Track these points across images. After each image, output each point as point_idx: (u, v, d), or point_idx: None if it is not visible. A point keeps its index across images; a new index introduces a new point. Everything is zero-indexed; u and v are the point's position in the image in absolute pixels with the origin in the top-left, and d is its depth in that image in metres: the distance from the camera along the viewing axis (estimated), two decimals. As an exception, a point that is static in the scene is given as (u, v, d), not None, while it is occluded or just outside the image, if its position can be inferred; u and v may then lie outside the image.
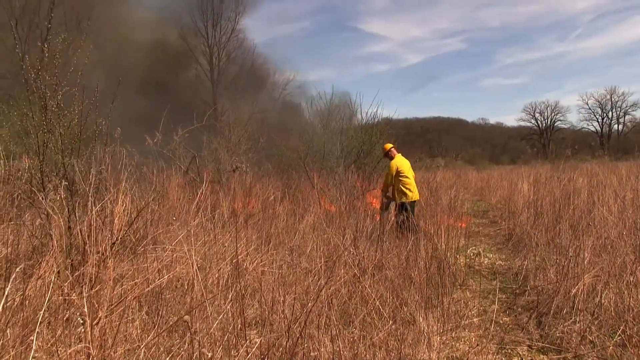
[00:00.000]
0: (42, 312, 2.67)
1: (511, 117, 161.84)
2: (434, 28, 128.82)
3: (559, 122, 75.62)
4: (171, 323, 3.64)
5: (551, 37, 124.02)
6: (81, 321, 2.69)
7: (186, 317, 3.05)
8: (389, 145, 9.59)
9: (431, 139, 77.58)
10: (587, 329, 4.31)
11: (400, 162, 9.11)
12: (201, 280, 4.13)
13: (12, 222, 5.66)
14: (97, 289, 3.41)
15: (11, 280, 2.97)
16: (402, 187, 8.88)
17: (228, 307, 3.77)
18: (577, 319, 4.53)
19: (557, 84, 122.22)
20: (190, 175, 11.41)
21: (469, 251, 7.85)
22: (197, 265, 4.33)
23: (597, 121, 72.12)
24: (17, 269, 3.49)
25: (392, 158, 9.28)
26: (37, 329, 2.51)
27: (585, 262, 5.18)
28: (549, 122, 75.48)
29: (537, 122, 76.51)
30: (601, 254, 5.59)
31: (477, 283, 6.26)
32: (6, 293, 2.68)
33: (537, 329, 4.65)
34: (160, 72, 25.65)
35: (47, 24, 5.91)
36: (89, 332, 2.51)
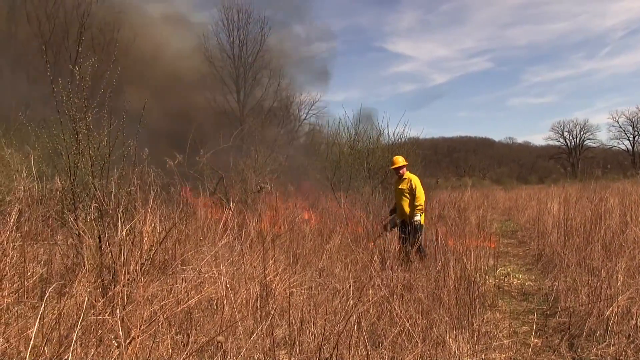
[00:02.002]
0: (76, 331, 2.71)
1: (539, 136, 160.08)
2: (460, 47, 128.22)
3: (589, 140, 74.20)
4: (202, 343, 3.66)
5: (580, 55, 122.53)
6: (116, 344, 2.73)
7: (220, 338, 3.07)
8: (402, 160, 8.68)
9: (458, 158, 77.07)
10: (623, 353, 4.21)
11: None
12: (231, 300, 4.15)
13: (45, 242, 5.78)
14: (128, 309, 3.45)
15: (45, 299, 3.03)
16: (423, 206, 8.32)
17: (258, 327, 3.78)
18: (612, 342, 4.43)
19: (586, 102, 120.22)
20: (218, 196, 11.52)
21: (497, 272, 7.74)
22: (226, 285, 4.36)
23: (629, 139, 70.70)
24: (51, 289, 3.56)
25: (403, 174, 8.52)
26: (72, 347, 2.55)
27: (619, 284, 5.07)
28: (578, 141, 74.19)
29: (565, 141, 75.29)
30: (635, 275, 5.47)
31: (506, 304, 6.17)
32: (42, 311, 2.74)
33: (570, 351, 4.55)
34: (187, 93, 26.03)
35: (77, 48, 6.04)
36: (124, 355, 2.54)
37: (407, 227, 8.14)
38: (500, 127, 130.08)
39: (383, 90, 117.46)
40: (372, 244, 7.96)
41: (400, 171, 8.54)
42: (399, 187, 8.50)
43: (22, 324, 3.17)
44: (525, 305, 6.14)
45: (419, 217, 8.07)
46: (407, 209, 8.30)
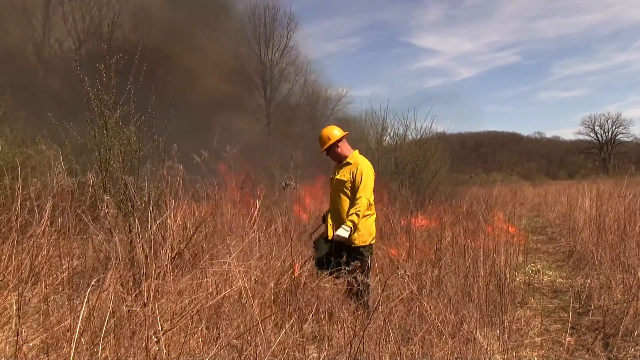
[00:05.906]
0: (112, 323, 2.76)
1: (568, 131, 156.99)
2: (487, 41, 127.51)
3: (621, 135, 72.43)
4: (232, 338, 3.68)
5: (612, 47, 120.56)
6: (155, 339, 2.78)
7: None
8: (338, 131, 5.08)
9: (485, 153, 76.26)
10: (661, 353, 4.11)
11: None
12: (259, 294, 4.17)
13: (78, 237, 5.89)
14: (160, 302, 3.50)
15: (80, 291, 3.09)
16: (371, 215, 5.03)
17: (287, 322, 3.80)
18: (651, 343, 4.32)
19: (618, 95, 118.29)
20: (245, 192, 11.57)
21: (527, 268, 7.63)
22: (255, 279, 4.39)
23: (664, 133, 68.78)
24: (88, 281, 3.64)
25: (343, 157, 5.06)
26: (111, 340, 2.60)
27: (657, 282, 4.95)
28: (609, 136, 72.50)
29: (596, 136, 73.67)
30: (673, 273, 5.33)
31: (537, 301, 6.08)
32: (79, 303, 2.79)
33: (605, 351, 4.45)
34: (214, 90, 26.22)
35: (104, 46, 6.19)
36: (164, 351, 2.58)
37: (342, 250, 4.78)
38: (529, 122, 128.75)
39: (409, 85, 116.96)
40: (295, 267, 4.90)
41: (337, 149, 5.05)
42: (337, 177, 5.08)
43: (61, 314, 3.25)
44: (556, 303, 6.04)
45: (345, 232, 4.71)
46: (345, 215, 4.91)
